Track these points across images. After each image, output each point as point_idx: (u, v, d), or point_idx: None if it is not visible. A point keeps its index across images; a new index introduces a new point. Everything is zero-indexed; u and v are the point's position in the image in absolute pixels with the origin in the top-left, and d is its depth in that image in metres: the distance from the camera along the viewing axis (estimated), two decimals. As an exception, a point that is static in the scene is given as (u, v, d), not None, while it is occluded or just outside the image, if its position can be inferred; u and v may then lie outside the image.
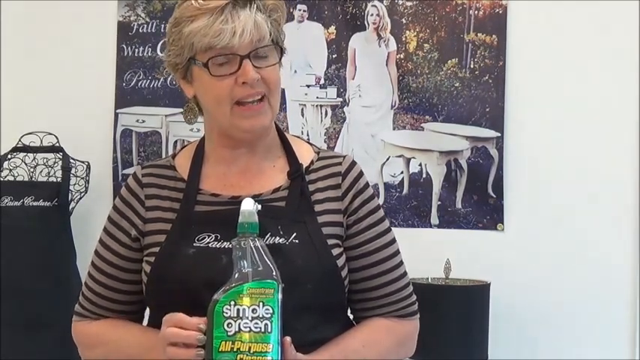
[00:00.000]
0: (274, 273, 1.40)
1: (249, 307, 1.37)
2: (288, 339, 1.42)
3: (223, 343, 1.37)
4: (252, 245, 1.41)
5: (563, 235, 3.31)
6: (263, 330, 1.37)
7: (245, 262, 1.40)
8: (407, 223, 3.48)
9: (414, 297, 1.67)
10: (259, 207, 1.47)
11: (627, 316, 3.25)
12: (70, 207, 3.60)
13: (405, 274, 1.66)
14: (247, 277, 1.39)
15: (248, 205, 1.45)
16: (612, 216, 3.27)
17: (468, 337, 3.08)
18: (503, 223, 3.40)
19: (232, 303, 1.37)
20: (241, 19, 1.51)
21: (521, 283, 3.32)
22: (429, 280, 3.18)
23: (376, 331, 1.63)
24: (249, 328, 1.37)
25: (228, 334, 1.37)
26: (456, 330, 3.06)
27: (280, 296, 1.40)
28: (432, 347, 3.01)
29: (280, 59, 1.61)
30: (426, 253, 3.31)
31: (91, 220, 3.65)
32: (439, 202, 3.46)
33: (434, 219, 3.47)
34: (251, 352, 1.36)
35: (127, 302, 1.66)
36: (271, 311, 1.38)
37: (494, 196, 3.40)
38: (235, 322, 1.37)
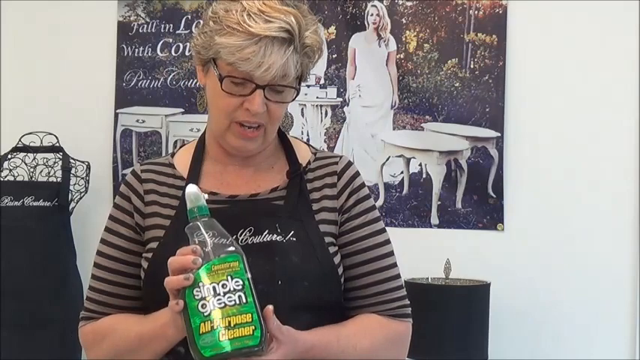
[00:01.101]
0: (234, 246, 1.39)
1: (218, 284, 1.35)
2: (270, 307, 1.40)
3: (202, 324, 1.35)
4: (205, 225, 1.40)
5: (563, 235, 3.31)
6: (238, 302, 1.35)
7: (203, 242, 1.38)
8: (407, 223, 3.48)
9: (407, 301, 1.67)
10: (206, 196, 1.45)
11: (627, 316, 3.25)
12: (70, 207, 3.60)
13: (398, 276, 1.66)
14: (209, 256, 1.38)
15: (192, 188, 1.43)
16: (612, 216, 3.27)
17: (468, 337, 3.08)
18: (503, 223, 3.40)
19: (200, 284, 1.35)
20: (272, 56, 1.48)
21: (521, 283, 3.32)
22: (429, 280, 3.18)
23: (369, 324, 1.62)
24: (224, 303, 1.35)
25: (204, 314, 1.35)
26: (456, 330, 3.06)
27: (249, 275, 1.38)
28: (432, 347, 3.01)
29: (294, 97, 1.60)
30: (426, 253, 3.32)
31: (91, 220, 3.65)
32: (439, 202, 3.46)
33: (434, 219, 3.47)
34: (232, 325, 1.34)
35: (133, 297, 1.65)
36: (241, 283, 1.36)
37: (494, 196, 3.40)
38: (208, 301, 1.35)
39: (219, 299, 1.35)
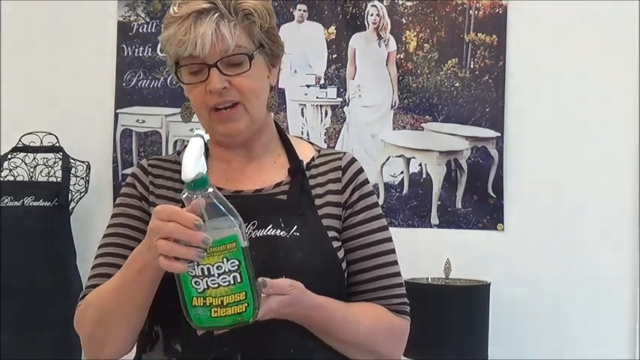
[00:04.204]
0: (234, 223, 1.34)
1: (213, 265, 1.34)
2: (281, 280, 1.43)
3: (195, 298, 1.35)
4: (204, 202, 1.35)
5: (563, 234, 3.31)
6: (232, 282, 1.34)
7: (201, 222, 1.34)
8: (407, 223, 3.48)
9: (407, 299, 1.68)
10: (207, 137, 1.40)
11: (627, 316, 3.25)
12: (70, 207, 3.61)
13: (399, 273, 1.66)
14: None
15: (190, 158, 1.35)
16: (612, 216, 3.27)
17: (468, 337, 3.08)
18: (503, 223, 3.40)
19: (195, 263, 1.34)
20: (200, 29, 1.51)
21: (521, 283, 3.32)
22: (429, 280, 3.18)
23: (374, 309, 1.63)
24: (218, 283, 1.34)
25: (198, 290, 1.34)
26: (456, 330, 3.06)
27: (245, 244, 1.35)
28: (432, 347, 3.01)
29: (271, 61, 1.61)
30: (426, 253, 3.32)
31: (91, 220, 3.65)
32: (439, 202, 3.46)
33: (434, 219, 3.47)
34: (224, 304, 1.34)
35: None
36: (237, 263, 1.34)
37: (494, 196, 3.40)
38: (202, 280, 1.34)
39: (213, 280, 1.34)
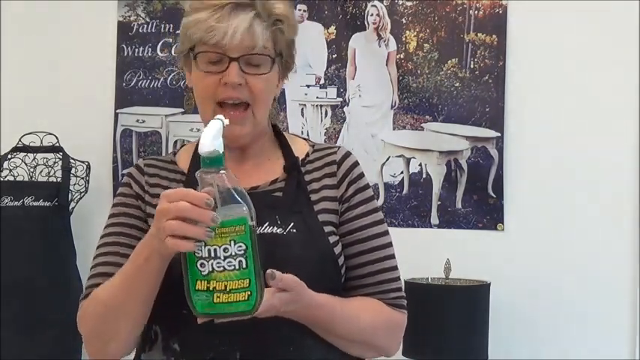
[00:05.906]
0: (245, 207, 1.34)
1: (220, 247, 1.33)
2: (288, 277, 1.43)
3: (198, 282, 1.34)
4: (217, 182, 1.35)
5: (563, 234, 3.31)
6: (237, 267, 1.33)
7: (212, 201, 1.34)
8: (407, 223, 3.48)
9: (404, 293, 1.68)
10: (227, 122, 1.39)
11: (627, 316, 3.25)
12: (70, 207, 3.60)
13: (395, 267, 1.67)
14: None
15: (207, 138, 1.34)
16: (612, 216, 3.27)
17: (468, 337, 3.08)
18: (503, 223, 3.40)
19: (203, 244, 1.33)
20: (235, 21, 1.53)
21: (521, 283, 3.32)
22: (429, 280, 3.18)
23: (371, 303, 1.63)
24: (223, 267, 1.33)
25: (202, 273, 1.34)
26: (456, 330, 3.06)
27: (253, 223, 1.35)
28: (432, 347, 3.02)
29: (282, 72, 1.63)
30: (426, 253, 3.32)
31: (91, 220, 3.65)
32: (439, 202, 3.46)
33: (434, 219, 3.47)
34: (228, 290, 1.33)
35: None
36: (244, 247, 1.33)
37: (494, 196, 3.40)
38: (208, 262, 1.33)
39: (218, 263, 1.33)
